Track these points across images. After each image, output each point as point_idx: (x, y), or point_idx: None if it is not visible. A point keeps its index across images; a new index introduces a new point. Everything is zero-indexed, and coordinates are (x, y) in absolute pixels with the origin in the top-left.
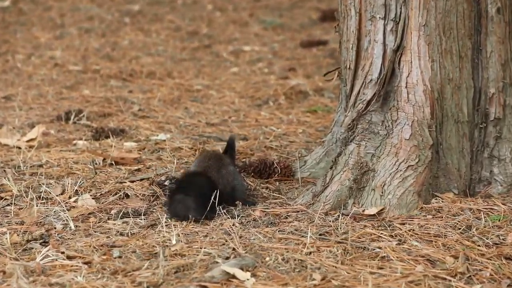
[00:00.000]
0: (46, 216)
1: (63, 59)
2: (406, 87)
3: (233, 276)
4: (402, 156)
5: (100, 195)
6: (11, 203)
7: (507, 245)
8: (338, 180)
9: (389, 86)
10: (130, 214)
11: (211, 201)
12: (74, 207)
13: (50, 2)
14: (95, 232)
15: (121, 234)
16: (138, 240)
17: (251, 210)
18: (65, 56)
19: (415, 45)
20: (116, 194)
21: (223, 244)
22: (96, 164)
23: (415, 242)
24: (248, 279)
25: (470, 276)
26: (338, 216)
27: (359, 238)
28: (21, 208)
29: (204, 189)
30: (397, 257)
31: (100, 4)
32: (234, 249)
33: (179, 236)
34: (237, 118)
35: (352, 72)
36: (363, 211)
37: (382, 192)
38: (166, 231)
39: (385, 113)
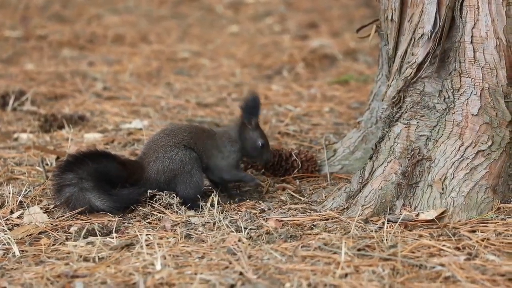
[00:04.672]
0: None
1: None
2: (471, 42)
3: None
4: (468, 138)
5: (55, 207)
6: None
7: None
8: (381, 174)
9: (447, 43)
10: (97, 232)
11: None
12: (18, 225)
13: None
14: (49, 258)
15: (86, 260)
16: (109, 266)
17: (263, 220)
18: None
19: None
20: None
21: (226, 268)
22: (47, 165)
23: (491, 256)
24: None
25: None
26: (383, 223)
27: (413, 252)
28: None
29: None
30: (466, 277)
31: None
32: (241, 273)
33: (165, 258)
34: (240, 95)
35: (396, 25)
36: (417, 215)
37: (442, 189)
38: (147, 253)
39: (443, 80)
